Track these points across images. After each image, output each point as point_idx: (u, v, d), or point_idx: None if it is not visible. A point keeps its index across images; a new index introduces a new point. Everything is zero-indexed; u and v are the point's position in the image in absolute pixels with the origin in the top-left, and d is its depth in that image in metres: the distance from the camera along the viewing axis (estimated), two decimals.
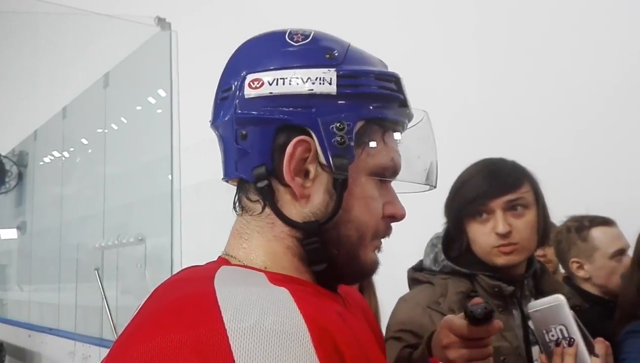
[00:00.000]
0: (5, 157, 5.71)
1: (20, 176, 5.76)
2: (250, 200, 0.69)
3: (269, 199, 0.67)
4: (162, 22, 3.54)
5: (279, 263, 0.67)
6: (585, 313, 1.26)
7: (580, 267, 1.77)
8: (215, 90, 0.73)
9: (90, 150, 4.67)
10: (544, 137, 2.01)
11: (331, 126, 0.65)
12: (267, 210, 0.68)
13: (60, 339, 4.18)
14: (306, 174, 0.67)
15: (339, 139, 0.65)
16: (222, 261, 0.69)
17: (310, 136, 0.66)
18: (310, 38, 0.69)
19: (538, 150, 1.94)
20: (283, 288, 0.59)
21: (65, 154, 5.02)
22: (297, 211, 0.67)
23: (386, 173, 0.70)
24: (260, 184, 0.67)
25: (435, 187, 0.76)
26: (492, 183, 1.19)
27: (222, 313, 0.54)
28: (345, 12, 2.57)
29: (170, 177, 3.45)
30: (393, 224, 0.73)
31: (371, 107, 0.68)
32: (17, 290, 5.79)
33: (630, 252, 1.62)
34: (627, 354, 1.39)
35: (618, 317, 1.51)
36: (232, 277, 0.63)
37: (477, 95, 2.18)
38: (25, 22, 4.78)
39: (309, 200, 0.67)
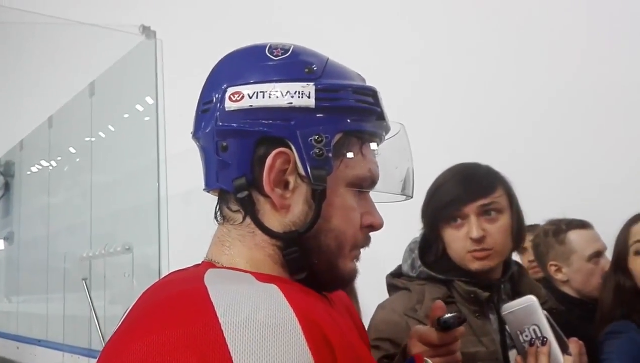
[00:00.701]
0: None
1: (7, 186, 5.73)
2: (231, 210, 0.71)
3: (249, 210, 0.69)
4: (147, 31, 3.55)
5: (261, 269, 0.68)
6: (563, 315, 1.28)
7: (559, 269, 1.79)
8: (197, 102, 0.74)
9: (77, 159, 4.65)
10: (522, 141, 2.04)
11: (309, 138, 0.67)
12: (248, 219, 0.69)
13: (49, 350, 4.16)
14: (286, 184, 0.68)
15: (317, 151, 0.67)
16: (208, 264, 0.71)
17: (290, 148, 0.67)
18: (289, 52, 0.71)
19: (514, 154, 1.96)
20: (272, 284, 0.61)
21: (53, 163, 5.00)
22: (277, 221, 0.69)
23: (364, 184, 0.72)
24: (240, 195, 0.68)
25: (411, 197, 0.78)
26: (466, 187, 1.20)
27: (215, 308, 0.55)
28: (328, 20, 2.59)
29: (157, 184, 3.44)
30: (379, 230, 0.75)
31: (349, 120, 0.70)
32: (5, 302, 5.74)
33: (608, 254, 1.65)
34: (607, 354, 1.41)
35: (598, 319, 1.53)
36: (221, 276, 0.64)
37: (460, 101, 2.20)
38: (10, 32, 4.76)
39: (289, 211, 0.68)
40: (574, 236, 1.76)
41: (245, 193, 0.68)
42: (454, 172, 1.25)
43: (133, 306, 0.66)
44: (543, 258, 1.83)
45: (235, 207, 0.70)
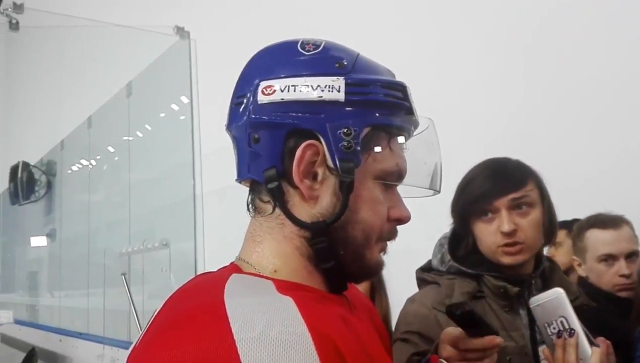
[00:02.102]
0: (34, 166, 5.85)
1: (49, 185, 5.89)
2: (262, 201, 0.73)
3: (279, 200, 0.71)
4: (181, 31, 3.61)
5: (288, 263, 0.71)
6: (595, 311, 1.27)
7: (579, 265, 1.78)
8: (231, 96, 0.76)
9: (116, 158, 4.77)
10: (556, 136, 2.01)
11: (339, 131, 0.68)
12: (277, 210, 0.71)
13: (90, 343, 4.27)
14: (314, 176, 0.70)
15: (345, 143, 0.68)
16: (234, 268, 0.73)
17: (319, 140, 0.69)
18: (321, 48, 0.73)
19: (548, 149, 1.94)
20: (288, 297, 0.63)
21: (92, 162, 5.13)
22: (305, 212, 0.71)
23: (391, 177, 0.73)
24: (270, 186, 0.70)
25: (439, 192, 0.79)
26: (497, 182, 1.19)
27: (230, 325, 0.57)
28: (356, 19, 2.60)
29: (192, 182, 3.51)
30: (406, 223, 0.76)
31: (377, 114, 0.71)
32: (48, 296, 5.92)
33: None
34: None
35: (634, 316, 1.51)
36: (241, 287, 0.67)
37: (486, 97, 2.19)
38: (51, 36, 4.90)
39: (317, 202, 0.70)
40: (590, 235, 1.73)
41: (275, 183, 0.70)
42: (485, 167, 1.24)
43: (159, 311, 0.70)
44: (573, 251, 1.82)
45: (266, 197, 0.72)
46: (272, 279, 0.69)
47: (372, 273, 0.76)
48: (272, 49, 0.76)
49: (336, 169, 0.69)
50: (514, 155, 1.28)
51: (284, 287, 0.66)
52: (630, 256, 1.69)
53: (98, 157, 5.03)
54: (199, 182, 3.50)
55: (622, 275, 1.67)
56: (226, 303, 0.61)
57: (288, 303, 0.61)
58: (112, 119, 4.62)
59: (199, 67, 3.55)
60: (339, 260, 0.71)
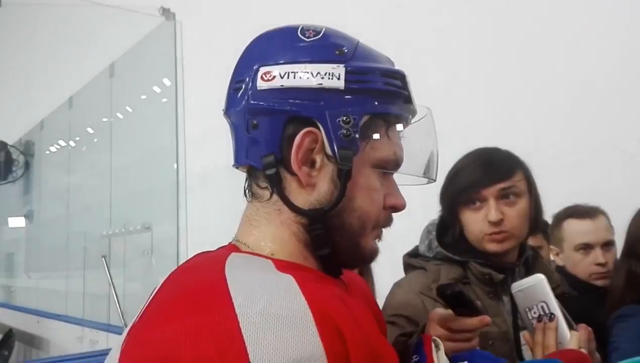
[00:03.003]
0: (12, 146, 5.77)
1: (27, 165, 5.83)
2: (260, 187, 0.73)
3: (277, 187, 0.70)
4: (166, 13, 3.58)
5: (285, 249, 0.71)
6: (577, 300, 1.30)
7: (557, 254, 1.83)
8: (229, 81, 0.76)
9: (96, 140, 4.72)
10: (547, 129, 2.04)
11: (338, 119, 0.68)
12: (275, 197, 0.71)
13: (69, 325, 4.26)
14: (313, 163, 0.70)
15: (344, 131, 0.68)
16: (232, 247, 0.73)
17: (318, 128, 0.69)
18: (321, 34, 0.72)
19: (535, 141, 1.97)
20: (288, 275, 0.63)
21: (72, 143, 5.07)
22: (303, 199, 0.70)
23: (388, 165, 0.73)
24: (268, 172, 0.70)
25: (435, 180, 0.79)
26: (486, 171, 1.21)
27: (232, 299, 0.58)
28: (346, 7, 2.60)
29: (175, 165, 3.49)
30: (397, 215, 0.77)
31: (376, 103, 0.70)
32: (26, 278, 5.87)
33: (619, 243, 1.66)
34: (616, 337, 1.43)
35: (609, 304, 1.55)
36: (242, 264, 0.67)
37: (477, 87, 2.21)
38: (31, 13, 4.81)
39: (315, 189, 0.70)
40: (567, 224, 1.78)
41: (274, 170, 0.69)
42: (474, 156, 1.26)
43: (159, 288, 0.69)
44: (551, 241, 1.87)
45: (263, 184, 0.72)
46: (271, 258, 0.69)
47: (367, 260, 0.76)
48: (272, 34, 0.76)
49: (335, 156, 0.69)
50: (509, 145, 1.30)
51: (283, 265, 0.67)
52: (606, 245, 1.74)
53: (77, 138, 4.98)
54: (182, 166, 3.48)
55: (598, 264, 1.72)
56: (227, 279, 0.61)
57: (289, 280, 0.62)
58: (94, 100, 4.57)
59: (184, 49, 3.52)
60: (335, 248, 0.72)
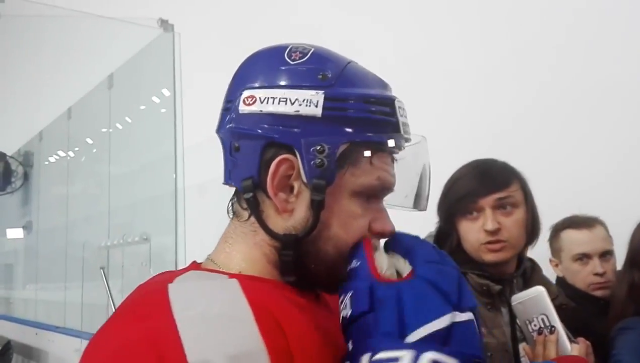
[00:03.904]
0: (11, 157, 5.76)
1: (26, 176, 5.82)
2: (241, 207, 0.74)
3: (254, 210, 0.71)
4: (165, 24, 3.59)
5: (254, 267, 0.71)
6: (576, 311, 1.30)
7: (556, 265, 1.83)
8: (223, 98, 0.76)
9: (95, 150, 4.72)
10: (551, 139, 2.03)
11: (312, 148, 0.67)
12: (252, 218, 0.72)
13: (67, 337, 4.23)
14: (291, 189, 0.70)
15: (317, 161, 0.67)
16: (193, 266, 0.74)
17: (295, 155, 0.68)
18: (307, 56, 0.71)
19: (532, 153, 1.97)
20: (234, 279, 0.65)
21: (71, 153, 5.07)
22: (280, 223, 0.71)
23: (372, 192, 0.72)
24: (246, 196, 0.71)
25: (425, 209, 0.79)
26: (482, 181, 1.22)
27: (171, 306, 0.60)
28: (342, 17, 2.61)
29: (174, 176, 3.49)
30: (397, 220, 0.76)
31: (356, 130, 0.69)
32: (24, 289, 5.85)
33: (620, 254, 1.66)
34: (618, 349, 1.42)
35: (611, 315, 1.54)
36: (191, 277, 0.68)
37: (473, 98, 2.21)
38: (31, 25, 4.82)
39: (292, 215, 0.70)
40: (565, 235, 1.79)
41: (251, 194, 0.70)
42: (471, 167, 1.27)
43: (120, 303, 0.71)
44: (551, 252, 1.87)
45: (244, 204, 0.73)
46: (229, 273, 0.70)
47: None
48: (260, 55, 0.76)
49: (308, 185, 0.68)
50: (508, 157, 1.31)
51: (237, 276, 0.68)
52: (604, 255, 1.74)
53: (77, 149, 4.98)
54: (181, 176, 3.48)
55: (596, 274, 1.72)
56: (169, 289, 0.63)
57: (232, 283, 0.64)
58: (93, 111, 4.58)
59: (183, 60, 3.53)
60: (311, 274, 0.71)
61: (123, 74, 4.05)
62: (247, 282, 0.64)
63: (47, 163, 5.54)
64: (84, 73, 4.54)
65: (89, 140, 4.75)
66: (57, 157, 5.31)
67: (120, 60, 3.94)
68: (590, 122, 1.95)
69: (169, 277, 0.68)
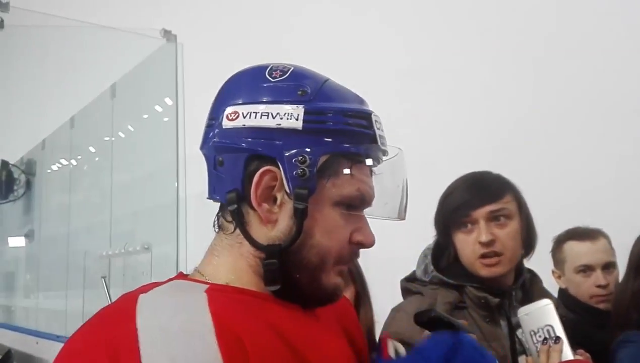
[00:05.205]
0: (13, 165, 5.77)
1: (29, 184, 5.82)
2: (226, 220, 0.76)
3: (239, 221, 0.73)
4: (168, 34, 3.62)
5: (241, 279, 0.74)
6: (576, 323, 1.30)
7: (559, 277, 1.83)
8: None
9: (97, 159, 4.73)
10: (536, 150, 2.04)
11: (294, 159, 0.71)
12: (237, 230, 0.74)
13: None
14: (275, 200, 0.73)
15: (299, 171, 0.70)
16: (179, 276, 0.77)
17: (278, 166, 0.71)
18: (287, 74, 0.75)
19: (528, 163, 1.98)
20: (203, 294, 0.67)
21: (73, 162, 5.08)
22: (264, 234, 0.73)
23: (352, 202, 0.75)
24: (230, 208, 0.73)
25: (403, 219, 0.81)
26: (475, 194, 1.23)
27: (136, 315, 0.62)
28: (345, 25, 2.62)
29: (176, 185, 3.50)
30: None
31: (335, 142, 0.72)
32: (25, 298, 5.84)
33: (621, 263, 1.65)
34: (619, 362, 1.42)
35: (612, 324, 1.54)
36: (167, 288, 0.71)
37: (474, 110, 2.22)
38: (34, 35, 4.85)
39: (275, 225, 0.73)
40: (567, 247, 1.80)
41: (235, 206, 0.73)
42: (464, 179, 1.28)
43: None
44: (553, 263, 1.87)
45: (229, 217, 0.75)
46: (212, 284, 0.72)
47: (329, 295, 0.77)
48: (243, 74, 0.79)
49: (291, 195, 0.71)
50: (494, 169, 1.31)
51: (216, 288, 0.70)
52: (606, 267, 1.74)
53: (79, 157, 4.99)
54: (182, 185, 3.49)
55: (599, 286, 1.72)
56: (139, 299, 0.66)
57: (200, 297, 0.66)
58: (96, 120, 4.59)
59: (185, 70, 3.55)
60: (294, 284, 0.73)
61: (126, 84, 4.06)
62: (217, 296, 0.66)
63: (49, 171, 5.55)
64: (87, 82, 4.56)
65: (92, 149, 4.76)
66: (60, 166, 5.31)
67: (123, 70, 3.96)
68: (595, 135, 1.95)
69: (148, 287, 0.70)
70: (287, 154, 0.71)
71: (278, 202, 0.73)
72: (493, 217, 1.21)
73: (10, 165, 5.70)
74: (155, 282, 0.75)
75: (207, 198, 0.79)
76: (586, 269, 1.75)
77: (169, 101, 3.63)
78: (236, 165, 0.73)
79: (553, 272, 1.85)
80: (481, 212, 1.21)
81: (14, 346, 5.04)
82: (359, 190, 0.74)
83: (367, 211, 0.78)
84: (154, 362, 0.57)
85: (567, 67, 2.03)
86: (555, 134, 2.04)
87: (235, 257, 0.74)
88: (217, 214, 0.79)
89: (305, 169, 0.70)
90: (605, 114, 1.94)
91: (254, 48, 2.71)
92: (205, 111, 0.80)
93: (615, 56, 1.94)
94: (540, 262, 1.37)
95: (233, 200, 0.73)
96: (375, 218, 0.79)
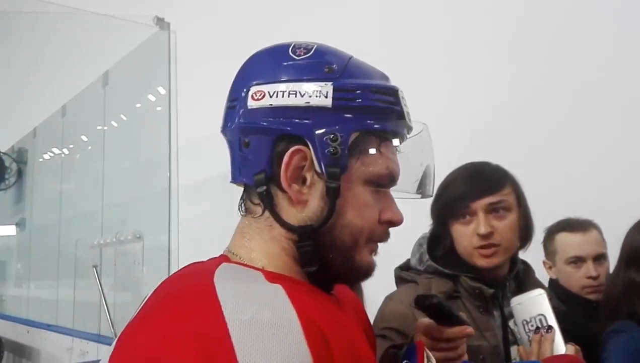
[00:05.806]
0: (4, 153, 5.73)
1: (20, 173, 5.79)
2: (253, 203, 0.74)
3: (268, 204, 0.71)
4: (161, 22, 3.59)
5: (274, 263, 0.71)
6: (568, 314, 1.31)
7: (550, 268, 1.83)
8: (226, 98, 0.77)
9: (89, 148, 4.70)
10: (546, 142, 2.04)
11: (325, 137, 0.69)
12: (267, 213, 0.72)
13: (59, 335, 4.22)
14: (304, 181, 0.71)
15: (331, 149, 0.69)
16: (224, 258, 0.74)
17: (307, 146, 0.69)
18: (311, 52, 0.73)
19: (526, 155, 1.98)
20: (277, 285, 0.64)
21: (65, 151, 5.05)
22: (294, 215, 0.71)
23: (382, 181, 0.73)
24: (259, 189, 0.71)
25: (431, 195, 0.80)
26: (474, 185, 1.22)
27: (222, 306, 0.59)
28: (340, 14, 2.61)
29: (168, 174, 3.48)
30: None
31: (365, 119, 0.71)
32: (16, 287, 5.82)
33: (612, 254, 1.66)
34: (608, 352, 1.43)
35: (603, 314, 1.55)
36: (231, 274, 0.68)
37: (467, 100, 2.22)
38: (26, 21, 4.81)
39: (306, 206, 0.71)
40: (559, 238, 1.80)
41: (264, 188, 0.71)
42: (464, 170, 1.27)
43: (151, 295, 0.70)
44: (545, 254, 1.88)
45: (256, 200, 0.73)
46: (261, 270, 0.70)
47: (363, 274, 0.76)
48: (264, 53, 0.77)
49: (322, 174, 0.69)
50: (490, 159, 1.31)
51: (272, 276, 0.67)
52: (598, 258, 1.75)
53: (71, 146, 4.96)
54: (175, 175, 3.47)
55: (590, 277, 1.73)
56: (217, 287, 0.62)
57: (278, 290, 0.63)
58: (88, 108, 4.56)
59: (178, 58, 3.52)
60: (328, 264, 0.72)
61: (118, 72, 4.03)
62: (290, 290, 0.63)
63: (41, 160, 5.52)
64: (79, 70, 4.53)
65: (84, 138, 4.74)
66: (51, 154, 5.28)
67: (116, 58, 3.93)
68: (585, 124, 1.95)
69: (206, 269, 0.68)
70: (317, 133, 0.69)
71: (308, 182, 0.71)
72: (492, 209, 1.20)
73: (1, 154, 5.66)
74: (201, 263, 0.73)
75: (231, 181, 0.77)
76: (577, 260, 1.76)
77: (161, 90, 3.61)
78: (263, 146, 0.71)
79: (544, 262, 1.86)
80: (480, 204, 1.20)
81: (5, 335, 5.03)
82: (388, 168, 0.73)
83: (394, 188, 0.76)
84: (249, 356, 0.55)
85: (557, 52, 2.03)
86: (548, 123, 2.03)
87: (266, 241, 0.72)
88: (242, 197, 0.76)
89: (337, 147, 0.69)
90: (599, 104, 1.94)
91: (248, 36, 2.70)
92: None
93: (600, 40, 1.93)
94: (529, 252, 1.37)
95: (262, 182, 0.71)
96: (402, 198, 0.78)
